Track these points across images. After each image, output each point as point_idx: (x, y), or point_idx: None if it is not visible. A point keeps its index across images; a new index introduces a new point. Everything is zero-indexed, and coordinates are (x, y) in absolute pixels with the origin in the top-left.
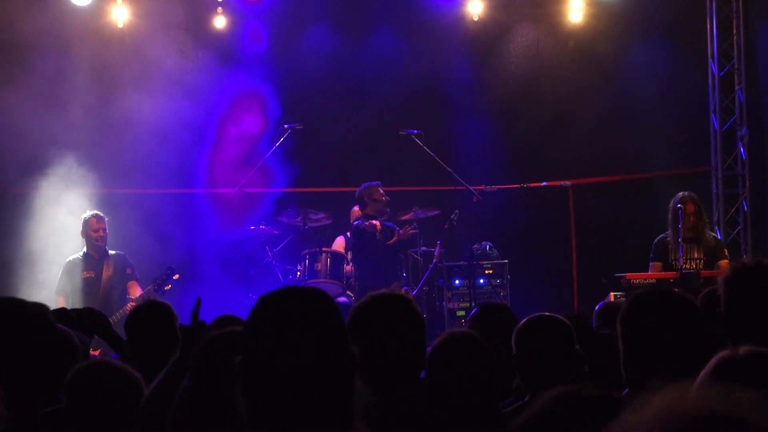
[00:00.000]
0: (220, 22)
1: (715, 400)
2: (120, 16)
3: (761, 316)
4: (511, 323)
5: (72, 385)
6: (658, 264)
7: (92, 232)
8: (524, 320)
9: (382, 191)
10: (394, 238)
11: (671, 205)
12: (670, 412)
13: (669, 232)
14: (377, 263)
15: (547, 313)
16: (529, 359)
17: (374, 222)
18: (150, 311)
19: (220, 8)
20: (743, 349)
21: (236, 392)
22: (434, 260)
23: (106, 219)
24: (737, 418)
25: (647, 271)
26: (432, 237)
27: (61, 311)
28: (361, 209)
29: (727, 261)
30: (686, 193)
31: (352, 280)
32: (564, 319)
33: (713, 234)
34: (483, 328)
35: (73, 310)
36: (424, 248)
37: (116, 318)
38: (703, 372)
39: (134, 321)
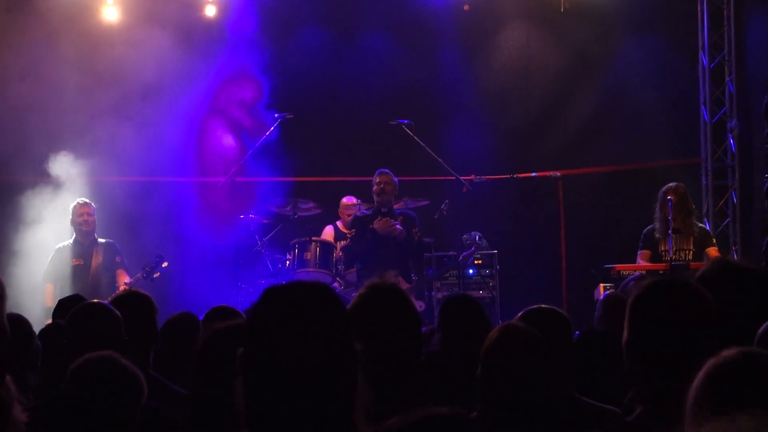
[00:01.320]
0: (211, 11)
1: None
2: (110, 3)
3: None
4: (479, 314)
5: (73, 376)
6: (647, 252)
7: (77, 218)
8: (522, 312)
9: (378, 179)
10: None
11: (659, 196)
12: None
13: (655, 224)
14: (367, 257)
15: (544, 305)
16: None
17: (382, 221)
18: (128, 301)
19: None
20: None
21: (237, 385)
22: (460, 257)
23: (94, 206)
24: None
25: (635, 260)
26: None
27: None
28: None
29: (715, 249)
30: (672, 183)
31: (341, 269)
32: (562, 311)
33: (699, 224)
34: (452, 320)
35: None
36: (427, 239)
37: None
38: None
39: None
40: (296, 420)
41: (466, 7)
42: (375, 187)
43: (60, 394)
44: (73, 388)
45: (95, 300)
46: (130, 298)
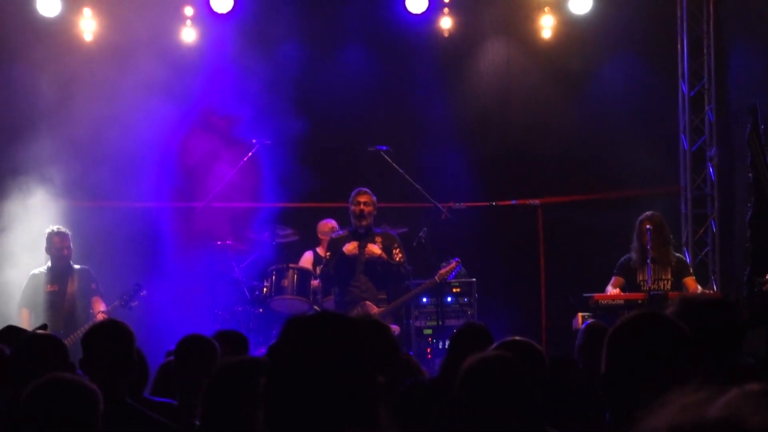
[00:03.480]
0: (188, 35)
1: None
2: (88, 27)
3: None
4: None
5: (29, 400)
6: (619, 279)
7: (55, 250)
8: (496, 344)
9: (359, 199)
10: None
11: (636, 225)
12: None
13: (632, 253)
14: (344, 282)
15: (518, 338)
16: None
17: (351, 243)
18: (107, 330)
19: (189, 21)
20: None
21: (258, 416)
22: (435, 277)
23: (69, 233)
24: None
25: (606, 286)
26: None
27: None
28: None
29: (693, 279)
30: (649, 213)
31: (318, 296)
32: (536, 344)
33: (676, 254)
34: (464, 349)
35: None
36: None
37: (81, 333)
38: None
39: (92, 339)
40: None
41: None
42: (354, 208)
43: (13, 419)
44: (27, 412)
45: (39, 330)
46: (108, 327)
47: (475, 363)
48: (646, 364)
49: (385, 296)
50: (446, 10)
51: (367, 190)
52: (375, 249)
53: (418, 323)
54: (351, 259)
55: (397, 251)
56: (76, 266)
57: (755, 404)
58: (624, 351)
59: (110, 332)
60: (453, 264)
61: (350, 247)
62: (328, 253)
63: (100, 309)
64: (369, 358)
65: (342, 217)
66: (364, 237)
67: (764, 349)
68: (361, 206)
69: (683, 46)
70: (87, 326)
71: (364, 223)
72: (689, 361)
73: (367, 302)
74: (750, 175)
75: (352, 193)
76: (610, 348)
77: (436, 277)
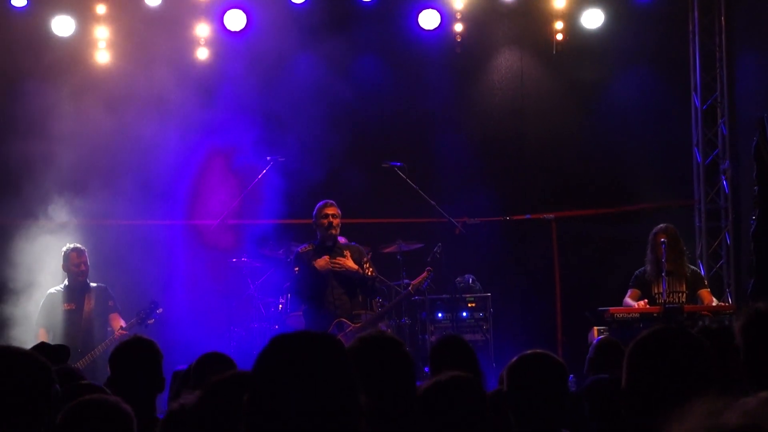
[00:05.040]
0: (202, 53)
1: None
2: (101, 47)
3: None
4: (469, 356)
5: (66, 421)
6: (636, 291)
7: (73, 267)
8: (517, 357)
9: (327, 211)
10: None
11: (650, 238)
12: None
13: (647, 266)
14: (315, 298)
15: (539, 350)
16: (521, 398)
17: (323, 259)
18: (135, 347)
19: (202, 39)
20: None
21: None
22: (408, 288)
23: (86, 250)
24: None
25: (624, 298)
26: (416, 270)
27: (42, 346)
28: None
29: (708, 291)
30: (663, 225)
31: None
32: (557, 357)
33: (690, 266)
34: (442, 362)
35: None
36: (407, 280)
37: (99, 351)
38: None
39: (119, 356)
40: None
41: None
42: (322, 221)
43: None
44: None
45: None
46: (135, 344)
47: (431, 386)
48: (667, 378)
49: (361, 311)
50: (459, 25)
51: (333, 202)
52: (350, 263)
53: (433, 338)
54: (323, 275)
55: (367, 265)
56: (93, 284)
57: None
58: (645, 365)
59: (138, 349)
60: (425, 274)
61: (322, 263)
62: (296, 268)
63: (120, 325)
64: (351, 377)
65: (358, 233)
66: (331, 250)
67: None
68: (330, 218)
69: (695, 60)
70: (104, 344)
71: (333, 232)
72: (709, 375)
73: (343, 319)
74: (755, 188)
75: (318, 206)
76: (630, 362)
77: (410, 288)
